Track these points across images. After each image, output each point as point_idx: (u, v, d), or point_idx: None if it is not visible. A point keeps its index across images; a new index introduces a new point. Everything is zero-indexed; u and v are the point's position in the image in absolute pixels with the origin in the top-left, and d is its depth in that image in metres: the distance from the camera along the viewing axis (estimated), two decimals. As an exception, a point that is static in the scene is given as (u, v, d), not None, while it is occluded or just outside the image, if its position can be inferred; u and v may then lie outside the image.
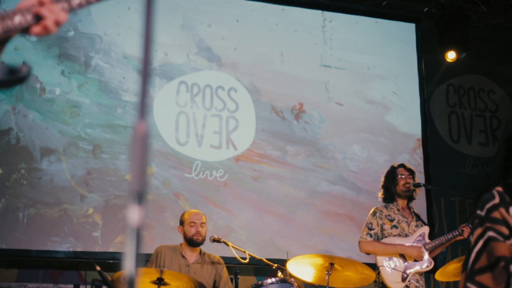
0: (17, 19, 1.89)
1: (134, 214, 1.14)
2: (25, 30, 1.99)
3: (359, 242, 5.28)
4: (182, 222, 5.30)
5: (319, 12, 7.71)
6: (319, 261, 4.84)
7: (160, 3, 7.00)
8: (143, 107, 1.21)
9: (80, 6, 2.08)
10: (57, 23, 1.97)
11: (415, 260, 5.18)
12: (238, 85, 7.20)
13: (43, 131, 6.56)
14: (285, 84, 7.37)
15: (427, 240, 5.28)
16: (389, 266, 5.12)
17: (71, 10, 2.02)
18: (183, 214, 5.35)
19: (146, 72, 1.23)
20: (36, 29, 1.95)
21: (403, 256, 5.19)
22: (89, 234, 6.43)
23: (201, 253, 5.31)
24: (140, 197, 1.15)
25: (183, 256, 5.23)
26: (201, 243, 5.24)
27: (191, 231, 5.22)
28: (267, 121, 7.22)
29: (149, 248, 6.16)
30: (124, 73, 6.82)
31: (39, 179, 6.46)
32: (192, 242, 5.22)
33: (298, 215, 7.08)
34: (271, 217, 6.99)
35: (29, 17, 1.96)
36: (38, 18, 1.98)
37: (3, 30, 1.91)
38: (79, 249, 6.39)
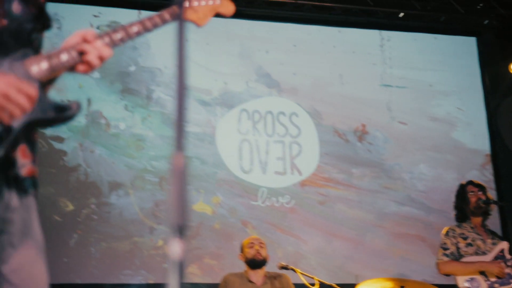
0: (64, 57, 2.00)
1: (175, 248, 1.18)
2: (71, 68, 2.09)
3: (436, 263, 5.20)
4: (241, 249, 5.45)
5: (376, 31, 7.80)
6: (389, 285, 4.80)
7: (217, 33, 7.24)
8: (180, 139, 1.26)
9: (122, 40, 2.20)
10: (101, 58, 2.07)
11: (498, 277, 5.10)
12: (299, 109, 7.33)
13: (110, 165, 6.82)
14: (346, 106, 7.46)
15: (508, 256, 5.19)
16: (472, 286, 5.05)
17: (114, 45, 2.12)
18: (241, 243, 5.52)
19: (181, 106, 1.29)
20: (82, 66, 2.06)
21: (484, 274, 5.12)
22: (160, 265, 6.61)
23: (267, 275, 5.42)
24: (180, 230, 1.19)
25: (250, 281, 5.34)
26: (262, 262, 5.35)
27: (250, 252, 5.34)
28: (331, 144, 7.32)
29: (219, 277, 6.31)
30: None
31: (108, 213, 6.71)
32: (254, 262, 5.33)
33: (368, 238, 7.10)
34: (340, 241, 7.04)
35: (74, 54, 2.04)
36: (83, 54, 2.06)
37: (51, 68, 1.99)
38: (151, 281, 6.56)
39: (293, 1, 7.24)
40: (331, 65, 7.53)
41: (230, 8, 2.59)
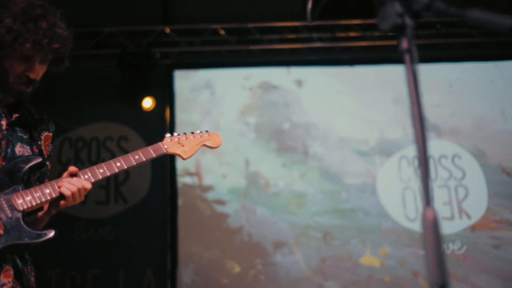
0: (46, 190, 2.65)
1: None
2: (56, 203, 2.72)
3: None
4: None
5: (536, 61, 7.93)
6: None
7: (369, 81, 7.68)
8: (427, 193, 1.36)
9: (103, 175, 2.75)
10: (79, 191, 2.66)
11: None
12: (462, 151, 7.55)
13: (273, 224, 7.36)
14: (512, 143, 7.62)
15: None
16: None
17: (95, 179, 2.73)
18: None
19: (425, 160, 1.41)
20: (62, 200, 2.69)
21: None
22: (334, 322, 7.02)
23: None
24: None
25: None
26: None
27: None
28: (499, 184, 7.44)
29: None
30: (343, 156, 7.51)
31: (275, 272, 7.21)
32: None
33: (551, 282, 7.16)
34: (521, 286, 7.14)
35: (55, 188, 2.67)
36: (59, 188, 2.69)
37: (34, 200, 2.61)
38: None
39: (444, 41, 7.59)
40: (491, 102, 7.66)
41: (218, 140, 2.98)
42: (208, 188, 7.40)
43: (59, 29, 2.72)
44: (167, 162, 7.51)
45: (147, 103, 7.47)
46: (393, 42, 7.59)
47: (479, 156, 7.52)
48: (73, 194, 2.65)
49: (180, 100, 7.65)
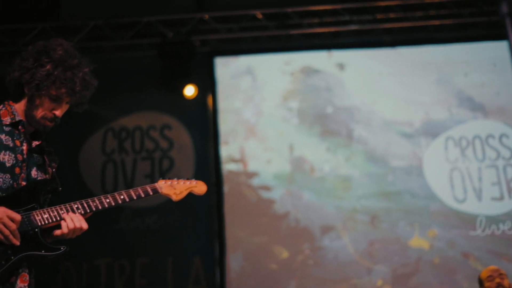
0: (60, 211, 2.96)
1: None
2: (50, 231, 2.98)
3: None
4: (480, 284, 5.47)
5: None
6: None
7: (411, 62, 7.69)
8: None
9: (97, 208, 3.03)
10: (78, 231, 2.96)
11: None
12: (509, 130, 7.46)
13: (320, 209, 7.40)
14: (561, 120, 7.54)
15: None
16: None
17: (89, 211, 3.00)
18: (479, 276, 5.63)
19: None
20: (58, 231, 2.97)
21: None
22: (386, 305, 7.05)
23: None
24: None
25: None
26: None
27: (491, 287, 5.40)
28: (548, 162, 7.45)
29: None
30: (387, 139, 7.54)
31: (323, 257, 7.26)
32: None
33: None
34: None
35: (67, 211, 2.98)
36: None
37: (50, 218, 2.92)
38: (379, 322, 7.02)
39: (487, 19, 7.57)
40: (537, 79, 7.68)
41: (203, 189, 3.38)
42: (253, 174, 7.46)
43: (89, 78, 3.12)
44: (210, 149, 7.58)
45: (189, 91, 7.53)
46: (435, 22, 7.58)
47: (527, 134, 7.51)
48: (69, 231, 2.99)
49: (221, 87, 7.71)
